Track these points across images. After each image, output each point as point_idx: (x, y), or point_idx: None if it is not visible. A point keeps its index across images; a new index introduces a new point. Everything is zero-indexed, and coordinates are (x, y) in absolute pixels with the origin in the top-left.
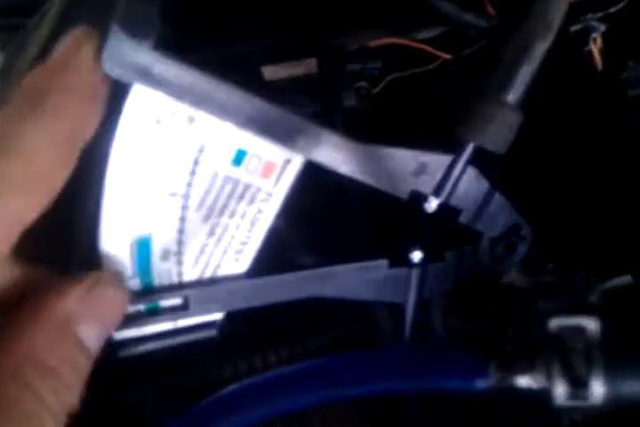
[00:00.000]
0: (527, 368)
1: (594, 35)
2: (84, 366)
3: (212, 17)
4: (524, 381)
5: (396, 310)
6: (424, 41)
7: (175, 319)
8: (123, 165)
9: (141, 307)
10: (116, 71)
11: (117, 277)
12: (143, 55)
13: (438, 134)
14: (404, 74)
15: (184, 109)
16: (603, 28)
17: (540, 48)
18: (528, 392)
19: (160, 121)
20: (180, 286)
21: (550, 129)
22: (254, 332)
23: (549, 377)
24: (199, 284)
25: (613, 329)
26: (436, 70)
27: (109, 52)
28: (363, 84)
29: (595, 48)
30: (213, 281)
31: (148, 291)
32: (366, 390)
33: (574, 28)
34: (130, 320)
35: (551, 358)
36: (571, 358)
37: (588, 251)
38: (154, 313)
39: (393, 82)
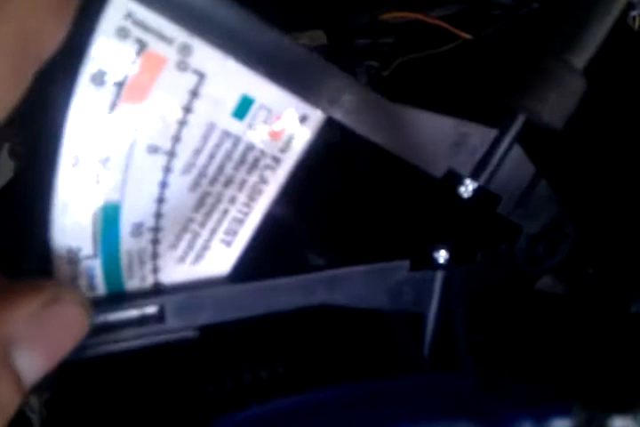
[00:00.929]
0: (627, 407)
1: (633, 13)
2: (10, 405)
3: None
4: (620, 423)
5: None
6: (441, 18)
7: (146, 335)
8: (89, 102)
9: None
10: None
11: (78, 291)
12: None
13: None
14: (416, 55)
15: (178, 34)
16: None
17: (617, 3)
18: None
19: (145, 46)
20: (153, 277)
21: (602, 112)
22: (244, 340)
23: None
24: (177, 287)
25: None
26: (452, 51)
27: None
28: (373, 62)
29: (635, 26)
30: (194, 284)
31: (112, 284)
32: None
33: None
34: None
35: None
36: None
37: (632, 256)
38: (118, 326)
39: (404, 64)
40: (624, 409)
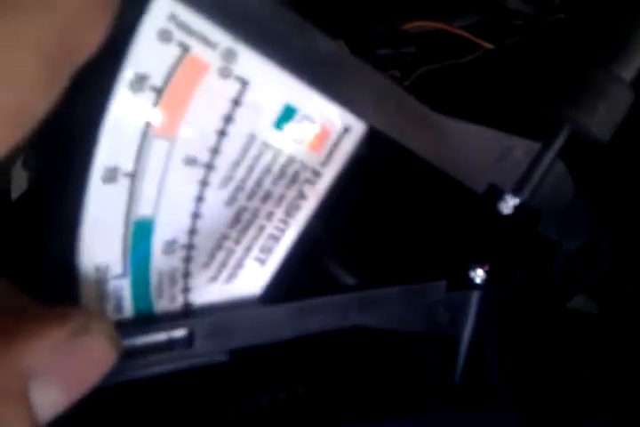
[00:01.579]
0: None
1: None
2: None
3: None
4: None
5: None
6: (462, 28)
7: (174, 360)
8: (126, 109)
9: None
10: None
11: (107, 321)
12: None
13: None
14: (436, 66)
15: (222, 38)
16: None
17: None
18: None
19: (188, 50)
20: (183, 298)
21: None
22: (264, 363)
23: None
24: (209, 309)
25: None
26: (474, 61)
27: None
28: (394, 72)
29: None
30: (227, 306)
31: (141, 305)
32: None
33: None
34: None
35: None
36: None
37: None
38: (144, 350)
39: (426, 74)
40: None
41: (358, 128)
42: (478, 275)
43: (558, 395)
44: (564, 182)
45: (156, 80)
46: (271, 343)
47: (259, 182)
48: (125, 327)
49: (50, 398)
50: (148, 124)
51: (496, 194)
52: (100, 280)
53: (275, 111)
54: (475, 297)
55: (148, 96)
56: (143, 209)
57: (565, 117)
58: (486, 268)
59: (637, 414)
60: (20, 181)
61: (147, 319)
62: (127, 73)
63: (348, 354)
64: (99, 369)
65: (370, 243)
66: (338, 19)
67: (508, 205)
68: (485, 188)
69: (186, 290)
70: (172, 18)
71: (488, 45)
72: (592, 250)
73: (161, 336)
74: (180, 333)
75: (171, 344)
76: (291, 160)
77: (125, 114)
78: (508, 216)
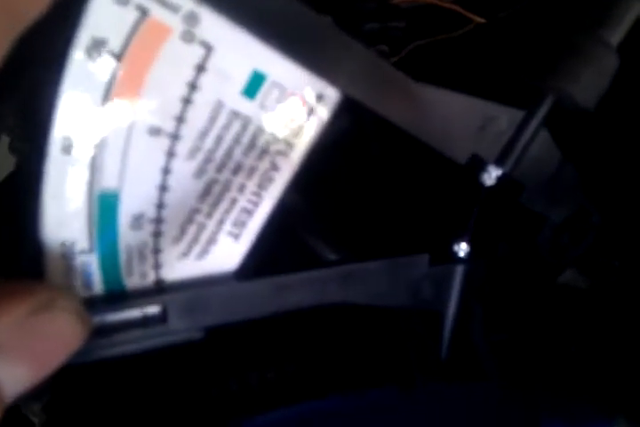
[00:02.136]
0: None
1: None
2: None
3: None
4: None
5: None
6: (454, 2)
7: (148, 337)
8: (84, 77)
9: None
10: None
11: (74, 296)
12: None
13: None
14: (427, 40)
15: (184, 1)
16: None
17: None
18: None
19: (147, 14)
20: (155, 274)
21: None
22: (251, 340)
23: None
24: (182, 285)
25: None
26: (465, 36)
27: None
28: (383, 47)
29: None
30: (201, 282)
31: (111, 281)
32: None
33: None
34: None
35: None
36: None
37: None
38: (117, 328)
39: (416, 49)
40: None
41: (332, 96)
42: (461, 249)
43: (546, 369)
44: (549, 152)
45: (114, 45)
46: (249, 320)
47: (228, 153)
48: (96, 304)
49: (14, 375)
50: (106, 92)
51: (478, 164)
52: (67, 256)
53: (242, 78)
54: (459, 271)
55: (106, 62)
56: (106, 181)
57: (549, 85)
58: (469, 241)
59: (625, 389)
60: (5, 164)
61: (118, 296)
62: (82, 37)
63: (335, 330)
64: (66, 346)
65: (351, 217)
66: None
67: (491, 175)
68: (467, 158)
69: (157, 266)
70: None
71: (479, 19)
72: (579, 221)
73: (134, 313)
74: (153, 309)
75: (144, 321)
76: (261, 130)
77: (82, 81)
78: (490, 187)
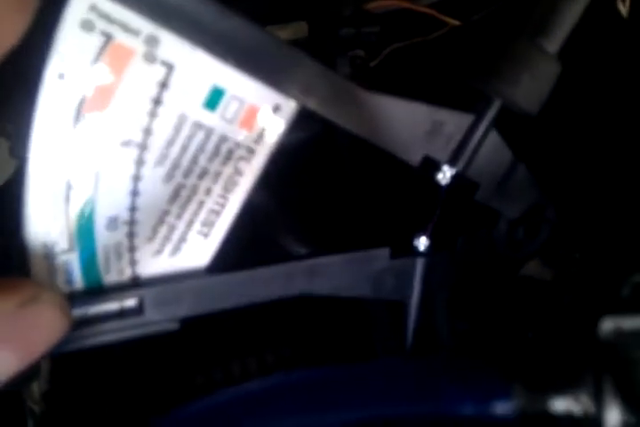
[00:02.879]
0: (567, 387)
1: None
2: None
3: None
4: (561, 404)
5: (395, 309)
6: (429, 5)
7: (127, 328)
8: (58, 97)
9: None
10: None
11: (56, 291)
12: None
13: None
14: (404, 44)
15: (144, 25)
16: None
17: None
18: (567, 419)
19: (111, 38)
20: (130, 271)
21: (581, 93)
22: (232, 332)
23: (598, 399)
24: (156, 280)
25: None
26: (440, 39)
27: None
28: (359, 52)
29: (623, 9)
30: (173, 277)
31: (90, 278)
32: (359, 413)
33: None
34: None
35: (602, 372)
36: (631, 371)
37: (618, 239)
38: (97, 319)
39: (392, 52)
40: (565, 390)
41: (289, 106)
42: (421, 243)
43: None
44: (499, 152)
45: (84, 68)
46: (224, 312)
47: (194, 160)
48: (77, 298)
49: (3, 361)
50: (79, 109)
51: (432, 166)
52: (49, 255)
53: (203, 92)
54: (420, 264)
55: (77, 84)
56: (83, 189)
57: (493, 90)
58: (429, 235)
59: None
60: (5, 167)
61: (98, 291)
62: (54, 63)
63: (305, 320)
64: (50, 336)
65: (318, 213)
66: (300, 1)
67: (445, 175)
68: (420, 160)
69: (133, 263)
70: (93, 8)
71: (454, 22)
72: (533, 217)
73: (112, 306)
74: (130, 302)
75: (122, 313)
76: (223, 138)
77: (56, 100)
78: (446, 186)
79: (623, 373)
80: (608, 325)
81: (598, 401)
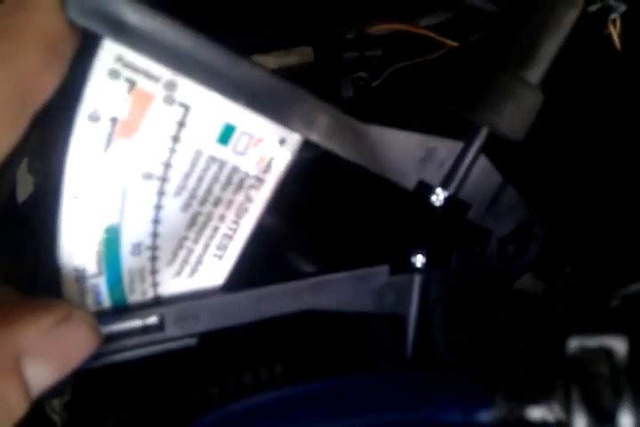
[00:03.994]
0: (541, 397)
1: (612, 16)
2: (18, 410)
3: (205, 6)
4: (537, 412)
5: (396, 323)
6: (428, 27)
7: (149, 344)
8: (88, 136)
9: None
10: (82, 19)
11: (87, 311)
12: (115, 2)
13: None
14: (405, 64)
15: (163, 73)
16: (623, 7)
17: (568, 15)
18: (542, 426)
19: (134, 84)
20: (153, 291)
21: (568, 119)
22: (243, 344)
23: (568, 408)
24: (176, 299)
25: None
26: (440, 59)
27: None
28: (362, 74)
29: (614, 31)
30: (191, 295)
31: (117, 298)
32: (355, 423)
33: (591, 8)
34: None
35: (570, 384)
36: (594, 385)
37: (608, 253)
38: (122, 336)
39: (395, 72)
40: (539, 400)
41: (293, 139)
42: (418, 260)
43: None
44: (488, 176)
45: (111, 111)
46: (237, 327)
47: (209, 190)
48: (105, 316)
49: (40, 374)
50: (106, 147)
51: (426, 189)
52: (80, 279)
53: (216, 129)
54: (417, 279)
55: (105, 125)
56: (110, 218)
57: (480, 120)
58: (425, 253)
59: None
60: (26, 185)
61: (123, 309)
62: (85, 107)
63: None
64: (82, 351)
65: (323, 233)
66: (305, 26)
67: (439, 197)
68: (415, 185)
69: (155, 284)
70: (119, 59)
71: (452, 43)
72: (523, 234)
73: (136, 323)
74: (152, 319)
75: (145, 330)
76: (235, 170)
77: (87, 142)
78: (439, 207)
79: (588, 385)
80: (574, 343)
81: (568, 410)
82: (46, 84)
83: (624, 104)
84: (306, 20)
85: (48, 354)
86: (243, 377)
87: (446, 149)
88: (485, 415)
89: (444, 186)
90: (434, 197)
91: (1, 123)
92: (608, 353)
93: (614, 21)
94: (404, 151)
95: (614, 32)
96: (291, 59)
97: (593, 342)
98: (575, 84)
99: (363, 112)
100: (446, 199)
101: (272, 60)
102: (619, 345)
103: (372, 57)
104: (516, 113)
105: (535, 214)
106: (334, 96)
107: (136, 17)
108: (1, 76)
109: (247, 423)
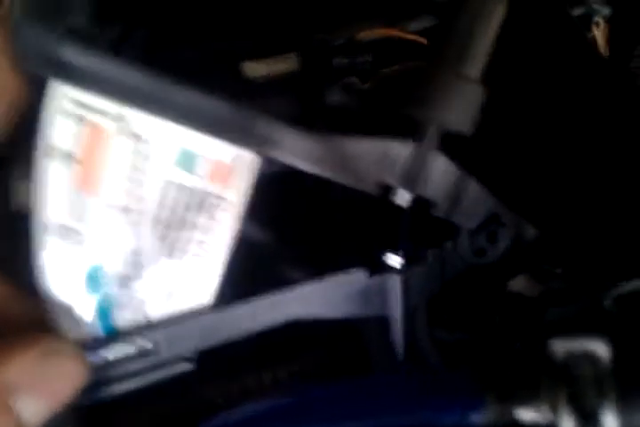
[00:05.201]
0: (530, 399)
1: (597, 19)
2: None
3: (192, 14)
4: (526, 414)
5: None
6: (417, 32)
7: (146, 370)
8: (53, 171)
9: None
10: (26, 63)
11: (73, 343)
12: (52, 44)
13: None
14: (395, 68)
15: (111, 107)
16: (607, 11)
17: (496, 12)
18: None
19: (86, 120)
20: (143, 319)
21: (553, 120)
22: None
23: (555, 410)
24: (165, 322)
25: (627, 353)
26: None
27: (16, 41)
28: (353, 79)
29: (598, 34)
30: (180, 317)
31: (109, 329)
32: (358, 424)
33: (576, 11)
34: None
35: (556, 387)
36: (579, 386)
37: (598, 254)
38: (118, 362)
39: (385, 76)
40: (528, 402)
41: (250, 158)
42: (394, 260)
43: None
44: (448, 172)
45: (67, 147)
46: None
47: (182, 217)
48: (98, 345)
49: (32, 408)
50: (73, 183)
51: (389, 191)
52: (69, 310)
53: (174, 156)
54: (397, 279)
55: (65, 161)
56: (92, 257)
57: (426, 117)
58: (401, 252)
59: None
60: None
61: (115, 337)
62: (42, 146)
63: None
64: (71, 382)
65: (304, 242)
66: (293, 33)
67: (403, 198)
68: (377, 187)
69: (144, 311)
70: (69, 98)
71: None
72: (491, 224)
73: (130, 348)
74: (145, 343)
75: (140, 354)
76: (202, 193)
77: (53, 175)
78: (406, 207)
79: (573, 387)
80: (559, 346)
81: (555, 411)
82: None
83: (610, 104)
84: (293, 27)
85: (37, 388)
86: (246, 382)
87: (401, 149)
88: (477, 417)
89: (405, 186)
90: (398, 198)
91: None
92: (592, 357)
93: (599, 24)
94: (361, 157)
95: (599, 35)
96: (276, 66)
97: (577, 345)
98: (563, 85)
99: (352, 119)
100: (412, 199)
101: (261, 68)
102: (602, 349)
103: (362, 62)
104: (460, 107)
105: (500, 203)
106: (323, 102)
107: (77, 57)
108: None
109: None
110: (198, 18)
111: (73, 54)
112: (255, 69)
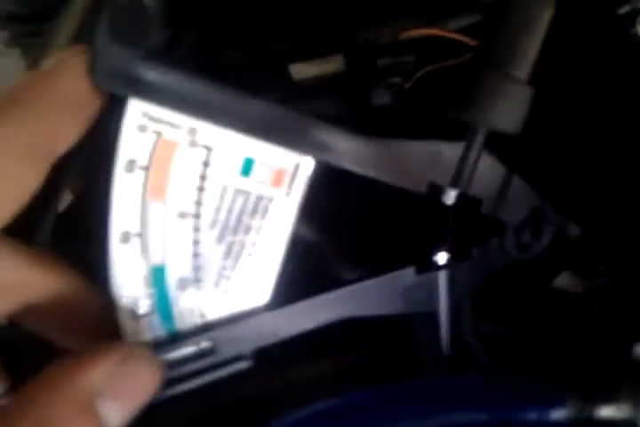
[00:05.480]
0: (611, 397)
1: None
2: None
3: (239, 17)
4: (606, 411)
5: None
6: (459, 30)
7: (204, 367)
8: (126, 186)
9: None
10: (107, 84)
11: (146, 348)
12: (133, 65)
13: None
14: (437, 67)
15: (184, 121)
16: None
17: (543, 16)
18: (611, 424)
19: (161, 135)
20: (202, 320)
21: (599, 118)
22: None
23: (636, 407)
24: (225, 322)
25: None
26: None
27: (99, 63)
28: (396, 79)
29: None
30: (238, 317)
31: (170, 330)
32: (435, 423)
33: (621, 10)
34: None
35: (638, 386)
36: None
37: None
38: (179, 363)
39: (427, 75)
40: (609, 400)
41: (308, 163)
42: (441, 257)
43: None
44: (493, 170)
45: (142, 160)
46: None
47: (239, 220)
48: (161, 346)
49: (115, 413)
50: (143, 194)
51: (438, 190)
52: (135, 317)
53: (238, 164)
54: (443, 276)
55: (139, 173)
56: (155, 259)
57: (475, 120)
58: (447, 250)
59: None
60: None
61: (177, 339)
62: (120, 159)
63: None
64: (149, 385)
65: (355, 242)
66: (336, 34)
67: (450, 196)
68: (426, 187)
69: (203, 312)
70: (145, 114)
71: None
72: (535, 220)
73: (190, 349)
74: (205, 344)
75: (199, 355)
76: (260, 198)
77: (125, 189)
78: (453, 205)
79: None
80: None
81: (636, 409)
82: (67, 139)
83: None
84: (337, 27)
85: (119, 392)
86: (290, 375)
87: (449, 151)
88: (559, 414)
89: (454, 185)
90: (445, 197)
91: (24, 169)
92: None
93: None
94: (411, 159)
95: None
96: (328, 67)
97: None
98: (609, 85)
99: (397, 118)
100: (458, 197)
101: (308, 69)
102: None
103: (405, 62)
104: (510, 110)
105: (544, 199)
106: (366, 104)
107: (154, 75)
108: (28, 132)
109: (332, 424)
110: (245, 20)
111: (153, 73)
112: (302, 71)
